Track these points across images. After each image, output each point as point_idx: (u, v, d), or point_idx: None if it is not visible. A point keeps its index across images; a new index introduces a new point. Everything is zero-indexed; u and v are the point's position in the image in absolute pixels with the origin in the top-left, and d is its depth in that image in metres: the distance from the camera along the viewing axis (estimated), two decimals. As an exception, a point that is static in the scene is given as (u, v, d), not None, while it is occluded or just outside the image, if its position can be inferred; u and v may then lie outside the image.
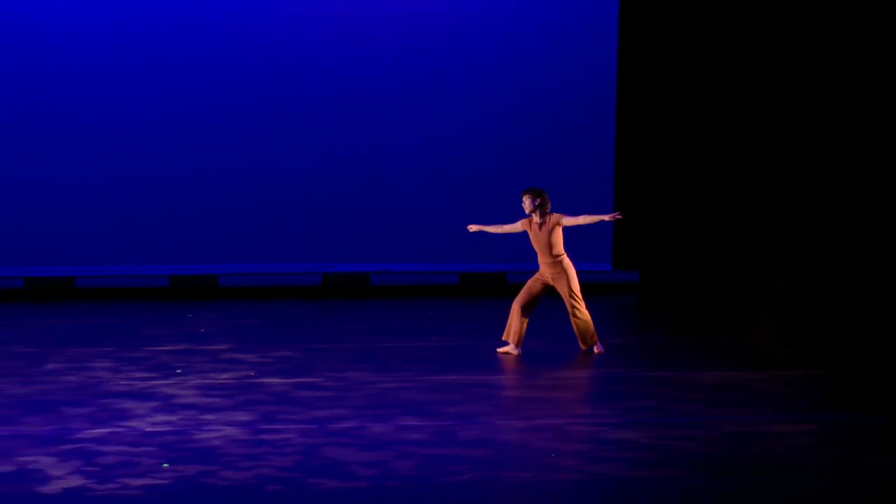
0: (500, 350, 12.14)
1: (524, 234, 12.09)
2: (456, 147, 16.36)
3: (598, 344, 12.17)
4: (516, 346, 12.09)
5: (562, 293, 11.99)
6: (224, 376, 11.26)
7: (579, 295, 11.99)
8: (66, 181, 15.99)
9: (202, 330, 13.55)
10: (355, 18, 16.19)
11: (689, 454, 8.80)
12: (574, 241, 16.00)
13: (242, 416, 9.82)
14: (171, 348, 12.47)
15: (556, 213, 11.99)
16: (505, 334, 12.13)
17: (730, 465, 8.50)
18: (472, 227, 12.28)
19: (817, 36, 12.07)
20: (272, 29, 16.22)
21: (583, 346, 12.16)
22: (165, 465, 8.56)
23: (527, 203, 11.96)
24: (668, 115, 15.96)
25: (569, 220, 11.95)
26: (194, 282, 16.07)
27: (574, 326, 12.10)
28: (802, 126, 12.22)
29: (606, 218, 12.02)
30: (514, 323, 12.03)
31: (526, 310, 12.04)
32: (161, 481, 8.21)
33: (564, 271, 11.95)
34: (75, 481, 8.18)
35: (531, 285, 12.08)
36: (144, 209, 16.12)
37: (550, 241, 11.93)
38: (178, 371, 11.45)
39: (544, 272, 12.02)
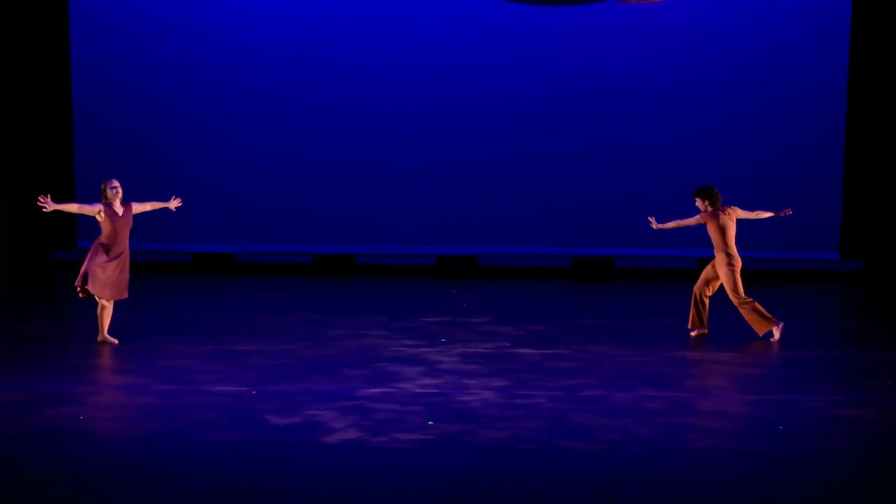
0: (693, 334, 11.63)
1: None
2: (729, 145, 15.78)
3: (778, 328, 11.44)
4: (701, 328, 11.60)
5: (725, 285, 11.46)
6: (483, 346, 11.32)
7: (740, 290, 11.32)
8: (356, 166, 15.90)
9: (465, 304, 13.56)
10: (580, 24, 15.70)
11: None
12: (801, 229, 15.50)
13: (498, 382, 9.89)
14: (437, 320, 12.54)
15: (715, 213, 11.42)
16: (690, 322, 11.64)
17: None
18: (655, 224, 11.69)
19: None
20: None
21: (765, 329, 11.42)
22: (431, 422, 8.69)
23: (698, 203, 11.49)
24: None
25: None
26: (457, 262, 16.06)
27: (745, 317, 11.47)
28: None
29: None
30: (692, 309, 11.59)
31: (703, 295, 11.56)
32: (427, 437, 8.37)
33: (724, 264, 11.37)
34: (352, 434, 8.41)
35: (706, 271, 11.60)
36: (417, 196, 16.07)
37: (715, 236, 11.41)
38: (442, 340, 11.53)
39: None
